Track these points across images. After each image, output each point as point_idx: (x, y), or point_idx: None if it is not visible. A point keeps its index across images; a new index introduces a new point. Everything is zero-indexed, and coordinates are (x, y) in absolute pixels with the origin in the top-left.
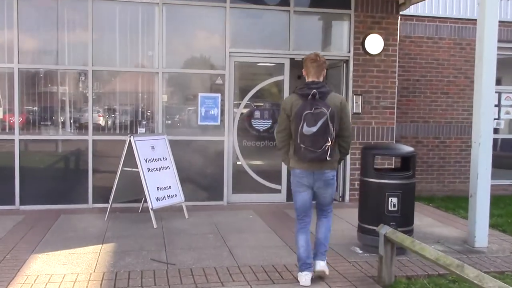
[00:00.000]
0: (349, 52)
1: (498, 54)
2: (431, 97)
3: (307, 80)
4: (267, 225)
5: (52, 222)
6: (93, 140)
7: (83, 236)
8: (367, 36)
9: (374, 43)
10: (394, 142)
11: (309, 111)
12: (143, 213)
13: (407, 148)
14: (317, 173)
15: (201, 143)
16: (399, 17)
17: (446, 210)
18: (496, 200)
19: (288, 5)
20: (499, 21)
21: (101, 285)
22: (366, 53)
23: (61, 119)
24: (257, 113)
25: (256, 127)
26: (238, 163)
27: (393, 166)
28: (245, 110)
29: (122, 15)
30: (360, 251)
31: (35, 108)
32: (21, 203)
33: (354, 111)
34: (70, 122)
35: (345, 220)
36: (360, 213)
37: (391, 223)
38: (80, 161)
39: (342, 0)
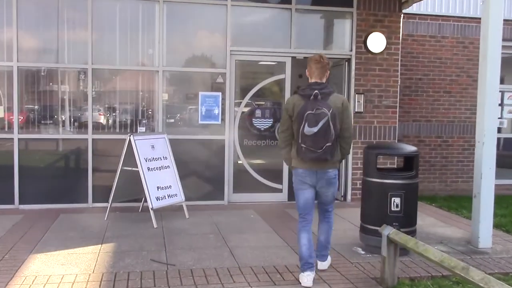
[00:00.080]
0: (351, 50)
1: (501, 53)
2: (433, 96)
3: (310, 81)
4: (268, 225)
5: (52, 221)
6: (93, 139)
7: (82, 236)
8: (369, 34)
9: (377, 42)
10: (396, 141)
11: (310, 112)
12: (143, 213)
13: (410, 148)
14: (319, 172)
15: (201, 142)
16: (402, 15)
17: (448, 210)
18: (499, 200)
19: (290, 3)
20: (503, 20)
21: (100, 286)
22: (368, 51)
23: (60, 118)
24: (258, 112)
25: (257, 126)
26: (239, 162)
27: (395, 166)
28: (246, 109)
29: (122, 12)
30: (363, 252)
31: (34, 106)
32: (21, 203)
33: (356, 110)
34: (69, 121)
35: (347, 220)
36: (363, 213)
37: (393, 224)
38: (79, 160)
39: None
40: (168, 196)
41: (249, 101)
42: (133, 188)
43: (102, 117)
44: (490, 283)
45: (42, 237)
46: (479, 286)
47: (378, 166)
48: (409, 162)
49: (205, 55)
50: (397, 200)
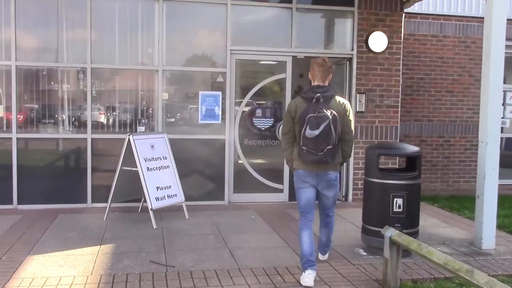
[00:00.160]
0: (352, 50)
1: (504, 52)
2: (435, 96)
3: (312, 84)
4: (269, 225)
5: (50, 222)
6: (92, 139)
7: (81, 237)
8: (370, 33)
9: (378, 41)
10: (398, 141)
11: (312, 115)
12: (143, 213)
13: (413, 148)
14: (320, 174)
15: (201, 141)
16: (403, 14)
17: (451, 210)
18: (502, 200)
19: (291, 2)
20: (506, 19)
21: None
22: (370, 51)
23: (59, 117)
24: (258, 112)
25: (258, 126)
26: (239, 162)
27: (397, 166)
28: (246, 109)
29: (121, 11)
30: (364, 253)
31: (33, 106)
32: (19, 203)
33: (357, 110)
34: (68, 120)
35: (348, 221)
36: (364, 214)
37: (396, 225)
38: (79, 159)
39: None
40: (168, 196)
41: (250, 100)
42: (132, 188)
43: (103, 116)
44: (496, 287)
45: (41, 237)
46: None
47: (380, 167)
48: (412, 162)
49: (205, 54)
50: (399, 201)
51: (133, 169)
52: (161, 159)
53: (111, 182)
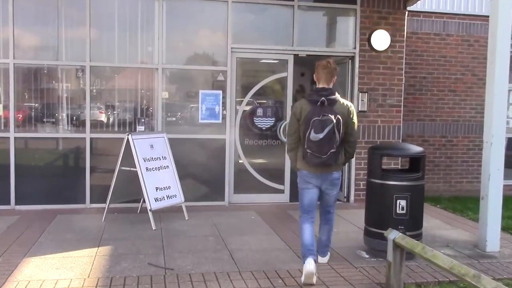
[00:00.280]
0: (354, 48)
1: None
2: (438, 95)
3: (317, 86)
4: (269, 226)
5: (48, 223)
6: (90, 138)
7: (79, 238)
8: (373, 32)
9: (381, 39)
10: (400, 141)
11: (317, 118)
12: (142, 214)
13: (417, 148)
14: (324, 174)
15: (201, 141)
16: (406, 12)
17: (454, 212)
18: (506, 201)
19: None
20: None
21: None
22: (372, 49)
23: (58, 116)
24: (259, 111)
25: (259, 125)
26: (239, 162)
27: (399, 166)
28: (247, 108)
29: (120, 9)
30: (367, 256)
31: (31, 104)
32: (17, 203)
33: (359, 109)
34: (67, 119)
35: (350, 222)
36: (367, 215)
37: (399, 227)
38: (77, 159)
39: None
40: (167, 197)
41: (251, 99)
42: (131, 188)
43: (103, 115)
44: None
45: (38, 239)
46: None
47: (382, 167)
48: (416, 163)
49: (205, 52)
50: (402, 202)
51: (132, 169)
52: (160, 159)
53: (110, 182)
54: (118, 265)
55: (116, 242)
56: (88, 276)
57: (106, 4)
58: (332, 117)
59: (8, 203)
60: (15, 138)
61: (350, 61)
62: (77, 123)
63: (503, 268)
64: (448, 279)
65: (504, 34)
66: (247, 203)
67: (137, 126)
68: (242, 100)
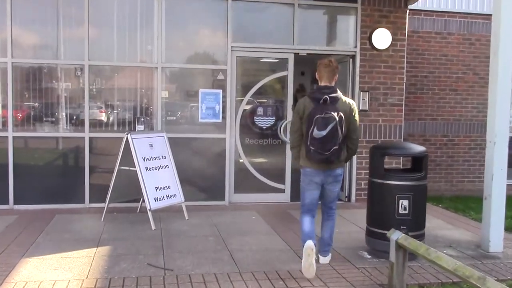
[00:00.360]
0: (355, 47)
1: None
2: (439, 94)
3: (319, 84)
4: (270, 226)
5: (47, 222)
6: (90, 138)
7: (77, 238)
8: (374, 30)
9: (382, 38)
10: (402, 140)
11: (320, 116)
12: (141, 214)
13: (419, 148)
14: (327, 170)
15: (201, 141)
16: (407, 11)
17: (455, 211)
18: (509, 201)
19: None
20: None
21: None
22: (373, 48)
23: (57, 115)
24: (260, 110)
25: (259, 125)
26: (240, 161)
27: (401, 166)
28: (247, 107)
29: (119, 7)
30: (369, 256)
31: (29, 104)
32: (15, 203)
33: (360, 108)
34: (66, 118)
35: (351, 222)
36: (369, 215)
37: (401, 227)
38: (76, 159)
39: None
40: (167, 196)
41: (251, 98)
42: (131, 188)
43: (103, 114)
44: None
45: (36, 239)
46: None
47: (384, 167)
48: (418, 163)
49: (205, 51)
50: (405, 202)
51: (131, 168)
52: (160, 159)
53: (109, 182)
54: (117, 265)
55: (115, 242)
56: (87, 277)
57: (105, 2)
58: (335, 114)
59: (7, 202)
60: (13, 137)
61: (351, 60)
62: (76, 122)
63: (507, 269)
64: (451, 280)
65: (507, 33)
66: (247, 203)
67: (136, 125)
68: (242, 99)
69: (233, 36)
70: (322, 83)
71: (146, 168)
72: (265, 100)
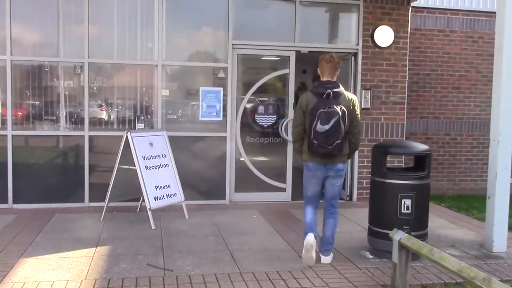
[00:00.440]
0: (357, 44)
1: None
2: (441, 92)
3: (321, 79)
4: (271, 226)
5: (46, 222)
6: (89, 136)
7: (76, 238)
8: (376, 28)
9: (384, 35)
10: (404, 139)
11: (323, 110)
12: (141, 213)
13: (422, 146)
14: (329, 164)
15: (202, 139)
16: (410, 8)
17: (458, 211)
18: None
19: None
20: None
21: None
22: (376, 45)
23: (56, 113)
24: (261, 108)
25: (260, 123)
26: (241, 160)
27: (403, 165)
28: (248, 105)
29: (120, 4)
30: (371, 256)
31: (29, 102)
32: (14, 202)
33: (362, 106)
34: (65, 117)
35: (353, 221)
36: (371, 215)
37: (404, 227)
38: (76, 157)
39: None
40: (167, 195)
41: (252, 96)
42: (131, 187)
43: (104, 112)
44: None
45: (35, 239)
46: None
47: (387, 166)
48: (421, 162)
49: (206, 49)
50: (407, 202)
51: (131, 167)
52: (160, 157)
53: (109, 180)
54: (116, 266)
55: (114, 242)
56: (85, 278)
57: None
58: (338, 109)
59: (6, 202)
60: (12, 136)
61: (353, 57)
62: (76, 120)
63: (511, 269)
64: (454, 281)
65: (511, 31)
66: (248, 202)
67: (136, 124)
68: (243, 97)
69: (234, 33)
70: (324, 78)
71: (146, 167)
72: (266, 98)
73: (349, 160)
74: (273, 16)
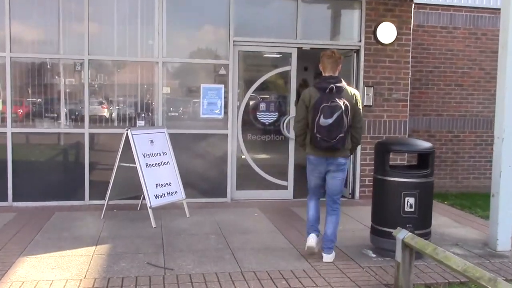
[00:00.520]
0: (360, 41)
1: None
2: (444, 89)
3: (323, 75)
4: (273, 224)
5: (45, 220)
6: (89, 133)
7: (76, 236)
8: (379, 24)
9: (387, 32)
10: (407, 136)
11: (326, 104)
12: (142, 211)
13: (426, 144)
14: (330, 158)
15: (203, 136)
16: (413, 4)
17: (461, 209)
18: None
19: None
20: None
21: None
22: (378, 42)
23: (56, 111)
24: (262, 106)
25: (262, 120)
26: (242, 157)
27: (405, 162)
28: (250, 102)
29: (120, 0)
30: (374, 255)
31: (28, 99)
32: (14, 200)
33: (365, 104)
34: (66, 114)
35: (355, 219)
36: (374, 213)
37: (407, 225)
38: (76, 155)
39: None
40: (168, 193)
41: (253, 94)
42: (131, 185)
43: (106, 110)
44: None
45: (34, 237)
46: None
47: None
48: (424, 159)
49: (207, 45)
50: (411, 200)
51: (131, 165)
52: (160, 155)
53: (110, 178)
54: (116, 265)
55: (114, 241)
56: (85, 277)
57: None
58: (341, 103)
59: (6, 200)
60: (12, 133)
61: (355, 54)
62: (76, 118)
63: None
64: (458, 280)
65: None
66: (250, 200)
67: (137, 121)
68: (245, 95)
69: (235, 30)
70: (326, 74)
71: (147, 165)
72: (268, 96)
73: (351, 158)
74: (275, 13)
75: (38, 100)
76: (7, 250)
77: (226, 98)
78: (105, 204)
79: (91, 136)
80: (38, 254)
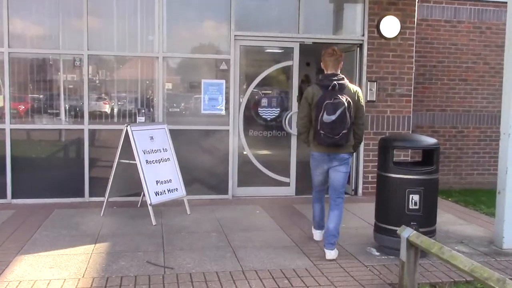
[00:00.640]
0: (363, 35)
1: None
2: (448, 84)
3: (326, 72)
4: (275, 221)
5: (44, 218)
6: (89, 130)
7: (75, 234)
8: (382, 18)
9: (390, 26)
10: (410, 132)
11: (329, 101)
12: (142, 208)
13: (431, 140)
14: (332, 154)
15: (204, 132)
16: None
17: (466, 205)
18: None
19: None
20: None
21: None
22: (382, 36)
23: (55, 107)
24: (264, 101)
25: (263, 116)
26: (244, 153)
27: (409, 159)
28: (251, 98)
29: None
30: (377, 253)
31: (27, 95)
32: (13, 197)
33: (368, 99)
34: (65, 110)
35: (358, 217)
36: (377, 211)
37: (411, 223)
38: (75, 152)
39: None
40: (168, 190)
41: (255, 89)
42: (131, 182)
43: (107, 105)
44: None
45: (33, 235)
46: None
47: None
48: (429, 156)
49: (208, 40)
50: (415, 197)
51: (131, 161)
52: (161, 151)
53: (109, 175)
54: (115, 263)
55: (114, 238)
56: (83, 276)
57: None
58: (344, 99)
59: (4, 197)
60: (11, 129)
61: (358, 49)
62: (75, 114)
63: None
64: (464, 279)
65: None
66: (251, 197)
67: (137, 117)
68: (246, 90)
69: (236, 24)
70: (329, 71)
71: (147, 161)
72: (270, 91)
73: (354, 154)
74: (277, 7)
75: (37, 96)
76: (4, 249)
77: (227, 93)
78: (105, 201)
79: (91, 132)
80: (36, 252)
